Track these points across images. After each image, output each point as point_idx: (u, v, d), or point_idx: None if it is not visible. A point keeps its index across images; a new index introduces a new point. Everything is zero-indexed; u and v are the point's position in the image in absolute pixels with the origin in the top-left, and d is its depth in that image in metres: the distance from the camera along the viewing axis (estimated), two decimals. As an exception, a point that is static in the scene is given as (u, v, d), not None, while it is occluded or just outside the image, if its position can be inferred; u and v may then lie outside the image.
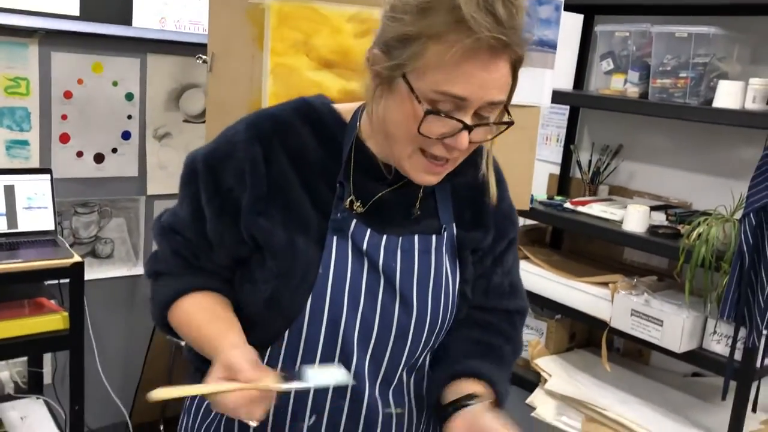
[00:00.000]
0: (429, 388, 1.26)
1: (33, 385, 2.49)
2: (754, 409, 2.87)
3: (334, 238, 1.07)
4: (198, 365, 1.23)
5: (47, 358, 2.53)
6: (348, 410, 1.12)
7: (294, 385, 0.97)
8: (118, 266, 2.68)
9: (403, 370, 1.16)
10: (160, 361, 2.68)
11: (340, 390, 1.09)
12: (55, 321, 1.98)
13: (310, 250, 1.08)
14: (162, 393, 0.94)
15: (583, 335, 3.74)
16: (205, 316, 1.11)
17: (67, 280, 2.00)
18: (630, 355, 3.63)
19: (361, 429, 1.12)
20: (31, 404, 2.40)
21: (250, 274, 1.11)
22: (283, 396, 1.07)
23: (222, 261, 1.16)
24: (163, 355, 2.64)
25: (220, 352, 1.01)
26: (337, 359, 1.09)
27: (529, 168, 2.01)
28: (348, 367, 1.08)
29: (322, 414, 1.12)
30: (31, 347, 2.01)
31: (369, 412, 1.13)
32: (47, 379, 2.54)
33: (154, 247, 1.25)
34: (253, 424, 0.96)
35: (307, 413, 1.12)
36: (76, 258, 1.98)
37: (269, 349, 1.11)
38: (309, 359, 1.08)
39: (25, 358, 2.51)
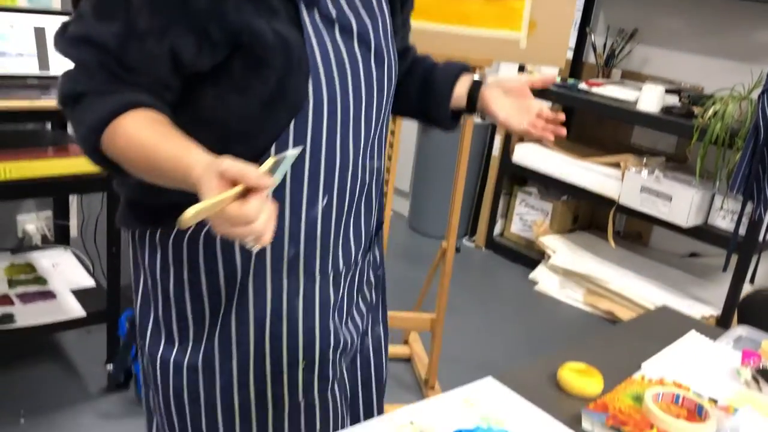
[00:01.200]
0: (437, 111, 1.26)
1: (60, 237, 2.53)
2: (752, 281, 3.02)
3: (305, 13, 1.01)
4: (139, 197, 1.07)
5: (73, 210, 2.56)
6: (350, 181, 1.10)
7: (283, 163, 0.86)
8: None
9: (379, 129, 1.15)
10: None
11: (343, 165, 1.06)
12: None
13: (292, 34, 1.00)
14: (191, 212, 0.76)
15: (585, 217, 3.85)
16: (155, 135, 0.92)
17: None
18: (630, 237, 3.75)
19: (357, 192, 1.12)
20: (60, 254, 2.44)
21: (234, 83, 1.00)
22: (296, 186, 1.03)
23: (161, 75, 0.97)
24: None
25: (196, 165, 0.85)
26: (339, 135, 1.05)
27: (567, 22, 2.01)
28: (346, 141, 1.05)
29: (332, 194, 1.08)
30: (69, 187, 2.03)
31: (363, 175, 1.11)
32: (74, 231, 2.57)
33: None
34: (266, 240, 0.80)
35: (320, 195, 1.08)
36: (114, 100, 1.97)
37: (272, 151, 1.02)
38: (317, 147, 1.03)
39: (50, 212, 2.53)
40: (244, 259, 1.04)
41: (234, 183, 0.79)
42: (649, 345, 1.32)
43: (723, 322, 2.88)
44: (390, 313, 2.26)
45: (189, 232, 1.04)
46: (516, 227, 3.79)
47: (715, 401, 1.11)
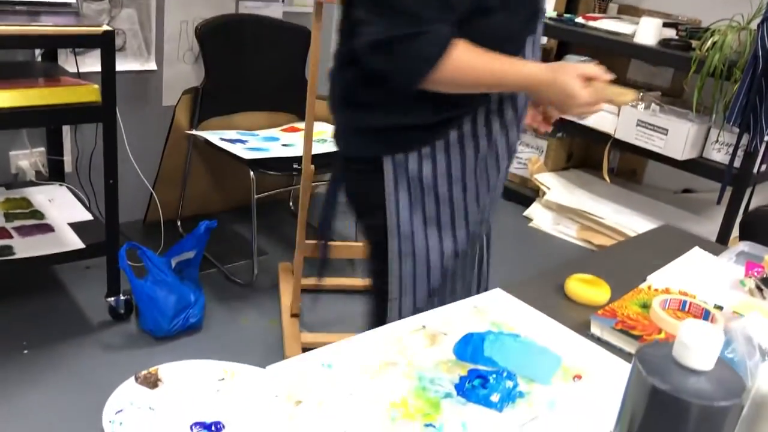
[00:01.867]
0: None
1: (54, 174, 2.50)
2: (745, 213, 3.04)
3: None
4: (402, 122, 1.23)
5: (67, 145, 2.53)
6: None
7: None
8: (130, 60, 2.63)
9: None
10: (177, 157, 2.70)
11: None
12: (88, 92, 1.96)
13: None
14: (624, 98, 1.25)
15: (579, 155, 3.85)
16: (487, 57, 1.14)
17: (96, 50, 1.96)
18: (624, 174, 3.76)
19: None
20: (55, 190, 2.42)
21: (506, 6, 1.17)
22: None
23: (463, 10, 1.13)
24: (180, 149, 2.65)
25: (539, 73, 1.17)
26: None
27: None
28: None
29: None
30: (64, 116, 1.99)
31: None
32: (68, 167, 2.54)
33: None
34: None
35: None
36: (107, 27, 1.93)
37: None
38: None
39: (43, 148, 2.50)
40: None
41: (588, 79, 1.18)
42: (654, 260, 1.33)
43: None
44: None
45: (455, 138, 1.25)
46: (511, 165, 3.78)
47: (720, 308, 1.13)
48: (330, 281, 2.57)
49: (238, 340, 2.22)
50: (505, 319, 1.06)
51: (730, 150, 2.87)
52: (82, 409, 1.84)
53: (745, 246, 1.37)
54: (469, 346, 0.98)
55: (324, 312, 2.42)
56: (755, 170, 2.83)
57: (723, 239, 2.85)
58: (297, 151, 2.47)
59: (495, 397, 0.88)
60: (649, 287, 1.18)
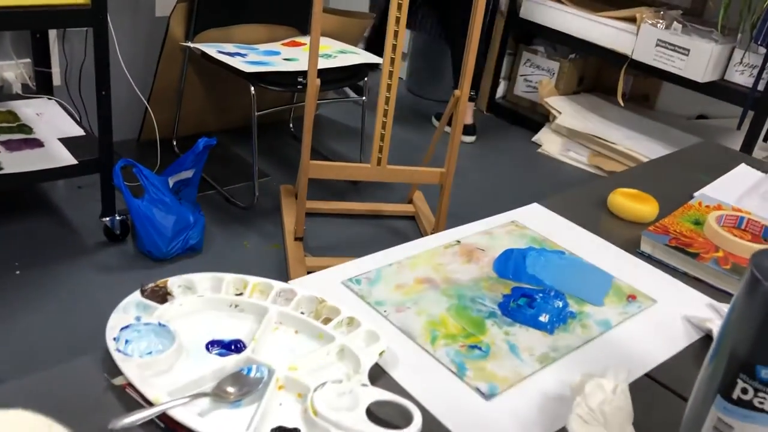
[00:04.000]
0: None
1: (42, 87, 2.35)
2: (765, 139, 2.93)
3: None
4: None
5: (55, 57, 2.37)
6: None
7: None
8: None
9: None
10: (172, 72, 2.54)
11: None
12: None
13: None
14: None
15: (591, 79, 3.70)
16: None
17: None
18: (637, 100, 3.62)
19: None
20: (43, 103, 2.27)
21: None
22: None
23: None
24: (175, 63, 2.49)
25: None
26: None
27: None
28: None
29: None
30: (50, 19, 1.83)
31: None
32: (57, 80, 2.39)
33: None
34: None
35: None
36: None
37: None
38: None
39: (29, 59, 2.34)
40: None
41: None
42: (699, 176, 1.22)
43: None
44: (397, 168, 2.16)
45: None
46: (520, 89, 3.63)
47: (779, 226, 1.03)
48: (332, 205, 2.46)
49: (240, 263, 2.13)
50: (546, 235, 0.96)
51: (754, 72, 2.73)
52: (81, 329, 1.76)
53: (795, 163, 1.27)
54: (510, 263, 0.88)
55: (327, 236, 2.32)
56: (779, 94, 2.70)
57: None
58: (300, 65, 2.32)
59: (544, 318, 0.78)
60: (700, 204, 1.08)
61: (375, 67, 2.41)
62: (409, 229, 2.44)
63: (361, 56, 2.48)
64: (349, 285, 0.79)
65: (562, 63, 3.47)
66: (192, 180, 2.16)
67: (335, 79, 2.37)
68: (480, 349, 0.72)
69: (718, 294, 0.89)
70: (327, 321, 0.71)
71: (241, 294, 0.73)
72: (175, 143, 2.72)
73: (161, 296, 0.70)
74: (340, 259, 2.26)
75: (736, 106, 2.80)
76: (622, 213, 1.04)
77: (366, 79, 2.49)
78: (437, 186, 2.19)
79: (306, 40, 2.67)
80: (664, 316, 0.82)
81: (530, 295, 0.82)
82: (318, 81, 2.02)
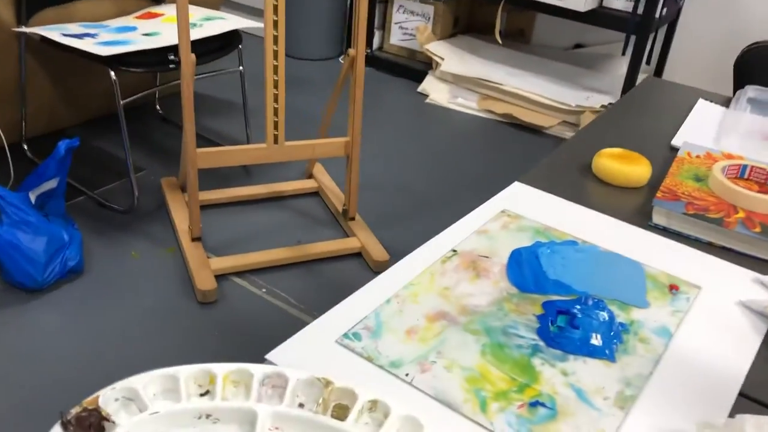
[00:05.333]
0: None
1: None
2: (648, 62, 2.94)
3: None
4: None
5: None
6: None
7: None
8: None
9: None
10: (7, 64, 2.14)
11: None
12: None
13: None
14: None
15: (465, 19, 3.57)
16: None
17: None
18: (512, 36, 3.54)
19: None
20: None
21: None
22: None
23: None
24: (9, 54, 2.08)
25: None
26: None
27: None
28: None
29: None
30: None
31: None
32: None
33: None
34: None
35: None
36: None
37: None
38: None
39: None
40: None
41: None
42: (660, 122, 1.10)
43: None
44: (297, 144, 1.93)
45: None
46: (396, 38, 3.45)
47: (777, 169, 0.92)
48: (225, 193, 2.20)
49: (133, 278, 1.84)
50: (546, 222, 0.80)
51: (632, -4, 2.70)
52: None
53: (752, 92, 1.18)
54: (525, 269, 0.71)
55: (227, 230, 2.07)
56: (657, 15, 2.69)
57: (629, 89, 2.72)
58: (165, 40, 2.01)
59: (596, 340, 0.62)
60: (689, 155, 0.95)
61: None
62: (315, 207, 2.22)
63: (231, 21, 2.20)
64: (347, 344, 0.59)
65: (436, 6, 3.31)
66: (57, 190, 1.83)
67: (208, 51, 2.08)
68: (544, 405, 0.55)
69: (755, 263, 0.76)
70: (341, 411, 0.50)
71: (208, 393, 0.51)
72: (26, 147, 2.32)
73: (95, 426, 0.47)
74: (250, 255, 2.01)
75: (614, 31, 2.77)
76: (613, 178, 0.90)
77: (240, 46, 2.21)
78: (338, 158, 1.99)
79: (163, 9, 2.34)
80: (718, 306, 0.69)
81: (567, 310, 0.65)
82: (193, 56, 1.74)
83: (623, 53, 2.76)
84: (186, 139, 1.80)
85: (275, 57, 1.80)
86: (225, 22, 2.18)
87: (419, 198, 2.33)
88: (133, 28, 2.16)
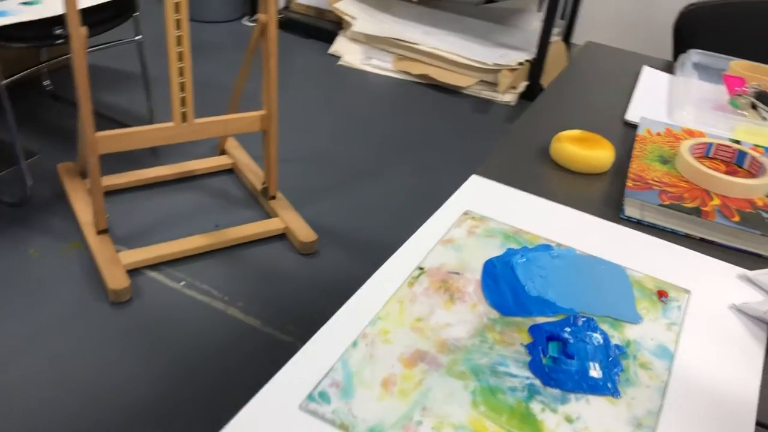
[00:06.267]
0: None
1: None
2: (562, 16, 2.90)
3: None
4: None
5: None
6: None
7: None
8: None
9: None
10: None
11: None
12: None
13: None
14: None
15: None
16: None
17: None
18: (424, -9, 3.43)
19: None
20: None
21: None
22: None
23: None
24: None
25: None
26: None
27: None
28: None
29: None
30: None
31: None
32: None
33: None
34: None
35: None
36: None
37: None
38: None
39: None
40: None
41: None
42: (607, 94, 1.03)
43: (539, 64, 2.77)
44: (208, 121, 1.77)
45: None
46: (302, -4, 3.27)
47: (737, 141, 0.87)
48: (131, 176, 2.01)
49: (33, 281, 1.65)
50: (514, 223, 0.71)
51: (546, -52, 2.64)
52: None
53: (696, 56, 1.13)
54: (502, 285, 0.62)
55: (137, 217, 1.90)
56: (572, -32, 2.64)
57: (543, 50, 2.69)
58: (46, 9, 1.78)
59: (595, 371, 0.54)
60: (649, 132, 0.89)
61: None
62: (231, 186, 2.07)
63: (123, -14, 1.98)
64: (314, 409, 0.48)
65: (343, -39, 3.14)
66: (-66, 188, 1.61)
67: (100, 20, 1.87)
68: (554, 465, 0.47)
69: (737, 256, 0.71)
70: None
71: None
72: None
73: None
74: (164, 245, 1.84)
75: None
76: (575, 165, 0.82)
77: (137, 14, 2.01)
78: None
79: (42, -27, 2.08)
80: (711, 313, 0.62)
81: (557, 336, 0.57)
82: (84, 30, 1.55)
83: (539, 9, 2.70)
84: (83, 123, 1.61)
85: (178, 26, 1.62)
86: (116, -14, 1.96)
87: (341, 168, 2.22)
88: (9, -3, 1.91)
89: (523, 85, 2.84)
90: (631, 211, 0.75)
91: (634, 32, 3.05)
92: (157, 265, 1.73)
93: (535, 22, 3.15)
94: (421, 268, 0.63)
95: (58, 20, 1.75)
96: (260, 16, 1.73)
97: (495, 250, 0.67)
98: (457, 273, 0.63)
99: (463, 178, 2.13)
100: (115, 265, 1.66)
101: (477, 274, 0.63)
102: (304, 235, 1.81)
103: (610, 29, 3.08)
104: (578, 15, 3.12)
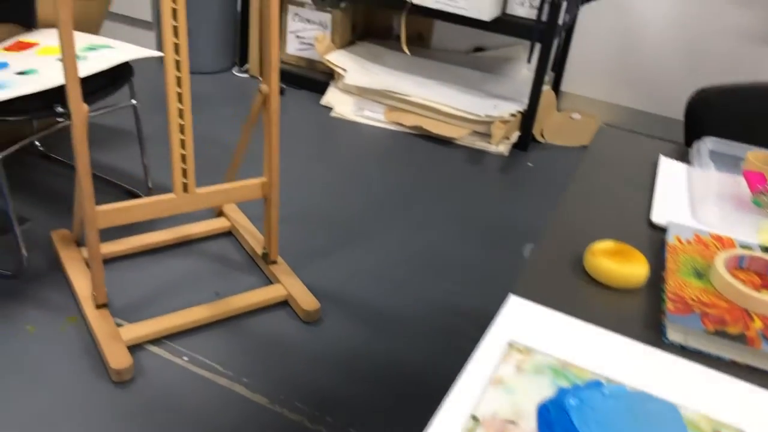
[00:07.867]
0: None
1: None
2: (553, 68, 2.93)
3: None
4: None
5: None
6: None
7: None
8: None
9: None
10: None
11: None
12: None
13: None
14: None
15: (362, 25, 3.45)
16: None
17: None
18: (411, 41, 3.45)
19: None
20: None
21: None
22: None
23: None
24: None
25: None
26: None
27: None
28: None
29: None
30: None
31: None
32: None
33: None
34: None
35: None
36: None
37: None
38: None
39: None
40: None
41: None
42: (631, 187, 1.04)
43: (531, 115, 2.79)
44: (209, 190, 1.75)
45: None
46: (293, 47, 3.27)
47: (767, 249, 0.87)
48: (128, 243, 1.98)
49: (30, 359, 1.60)
50: (561, 356, 0.70)
51: (533, 3, 2.68)
52: None
53: (711, 143, 1.13)
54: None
55: (135, 286, 1.86)
56: (560, 21, 2.68)
57: (534, 101, 2.71)
58: (44, 80, 1.76)
59: None
60: (679, 240, 0.89)
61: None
62: (230, 250, 2.05)
63: (119, 52, 1.96)
64: None
65: (334, 14, 3.16)
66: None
67: (96, 89, 1.85)
68: None
69: (784, 385, 0.70)
70: None
71: None
72: None
73: None
74: (165, 318, 1.77)
75: (518, 38, 2.75)
76: (611, 281, 0.82)
77: (133, 78, 1.99)
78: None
79: (36, 38, 2.06)
80: (770, 457, 0.62)
81: (623, 496, 0.56)
82: (85, 107, 1.53)
83: (528, 61, 2.73)
84: (82, 198, 1.58)
85: (180, 100, 1.61)
86: (112, 52, 1.95)
87: (336, 226, 2.20)
88: (4, 65, 1.88)
89: (515, 136, 2.85)
90: (674, 336, 0.74)
91: (620, 79, 3.09)
92: (158, 340, 1.70)
93: (524, 71, 3.18)
94: (475, 418, 0.62)
95: (57, 92, 1.72)
96: (262, 87, 1.72)
97: (545, 389, 0.66)
98: (513, 422, 0.61)
99: (460, 236, 2.12)
100: (115, 342, 1.63)
101: (532, 421, 0.62)
102: (306, 303, 1.79)
103: (597, 77, 3.12)
104: (567, 63, 3.16)
